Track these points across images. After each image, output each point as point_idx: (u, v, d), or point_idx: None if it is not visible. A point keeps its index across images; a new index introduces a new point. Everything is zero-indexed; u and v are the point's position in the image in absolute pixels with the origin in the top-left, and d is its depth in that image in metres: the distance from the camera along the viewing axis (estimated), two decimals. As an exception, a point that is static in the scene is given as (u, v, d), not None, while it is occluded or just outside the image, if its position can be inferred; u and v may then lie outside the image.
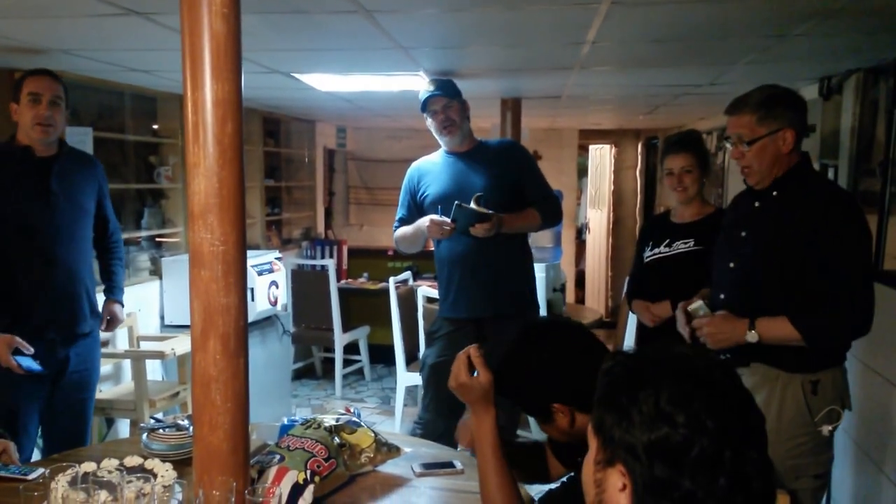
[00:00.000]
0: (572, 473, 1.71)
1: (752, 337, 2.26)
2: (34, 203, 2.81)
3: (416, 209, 3.36)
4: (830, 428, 2.29)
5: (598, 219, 9.78)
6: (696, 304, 2.47)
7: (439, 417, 3.27)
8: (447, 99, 3.24)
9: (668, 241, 3.07)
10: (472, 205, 3.08)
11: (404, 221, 3.39)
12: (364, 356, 6.53)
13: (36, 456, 2.98)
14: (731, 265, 2.42)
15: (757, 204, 2.40)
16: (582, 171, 9.88)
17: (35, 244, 2.81)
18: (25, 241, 2.80)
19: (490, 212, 3.07)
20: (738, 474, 0.94)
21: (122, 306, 3.25)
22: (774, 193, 2.34)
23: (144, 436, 2.25)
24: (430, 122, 3.30)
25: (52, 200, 2.83)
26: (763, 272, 2.32)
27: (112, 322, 3.20)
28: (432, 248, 3.42)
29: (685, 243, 3.02)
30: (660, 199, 8.24)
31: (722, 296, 2.44)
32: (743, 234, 2.41)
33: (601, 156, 9.76)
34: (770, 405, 2.30)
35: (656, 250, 3.10)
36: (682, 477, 0.94)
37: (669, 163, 3.07)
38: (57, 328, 2.85)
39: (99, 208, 3.07)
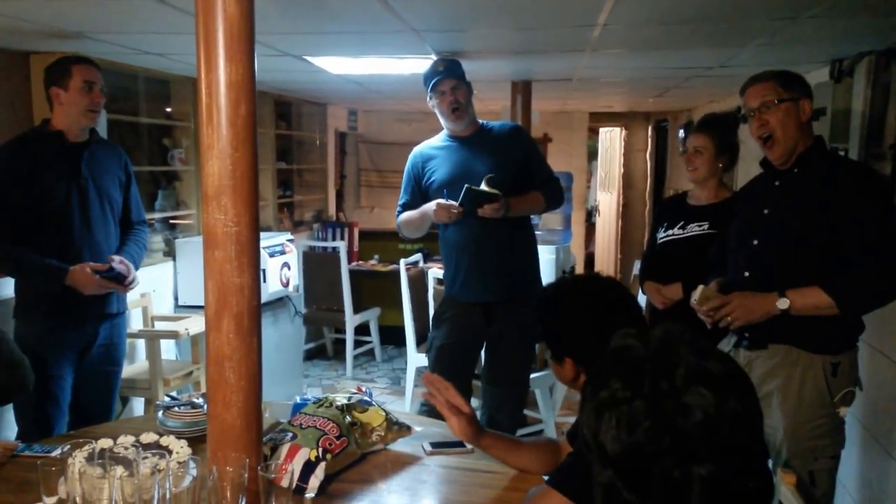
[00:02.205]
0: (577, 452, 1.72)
1: (783, 304, 2.26)
2: (65, 186, 2.88)
3: (421, 194, 3.33)
4: (847, 409, 2.32)
5: (607, 201, 9.77)
6: (697, 293, 2.44)
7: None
8: (456, 81, 3.19)
9: (682, 223, 3.05)
10: (484, 185, 3.09)
11: (407, 206, 3.36)
12: (375, 337, 6.58)
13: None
14: (755, 243, 2.42)
15: (777, 183, 2.41)
16: (592, 154, 9.86)
17: (65, 226, 2.87)
18: (56, 224, 2.86)
19: (499, 192, 3.08)
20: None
21: (132, 267, 3.01)
22: (795, 171, 2.36)
23: (160, 413, 2.29)
24: (435, 103, 3.24)
25: (82, 184, 2.91)
26: (789, 247, 2.32)
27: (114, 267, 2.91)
28: (436, 231, 3.42)
29: (699, 226, 2.99)
30: (669, 181, 8.21)
31: (747, 273, 2.43)
32: (766, 211, 2.41)
33: (611, 138, 9.74)
34: (790, 387, 2.32)
35: (669, 232, 3.08)
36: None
37: (688, 141, 3.10)
38: (85, 308, 2.92)
39: (124, 197, 3.12)
